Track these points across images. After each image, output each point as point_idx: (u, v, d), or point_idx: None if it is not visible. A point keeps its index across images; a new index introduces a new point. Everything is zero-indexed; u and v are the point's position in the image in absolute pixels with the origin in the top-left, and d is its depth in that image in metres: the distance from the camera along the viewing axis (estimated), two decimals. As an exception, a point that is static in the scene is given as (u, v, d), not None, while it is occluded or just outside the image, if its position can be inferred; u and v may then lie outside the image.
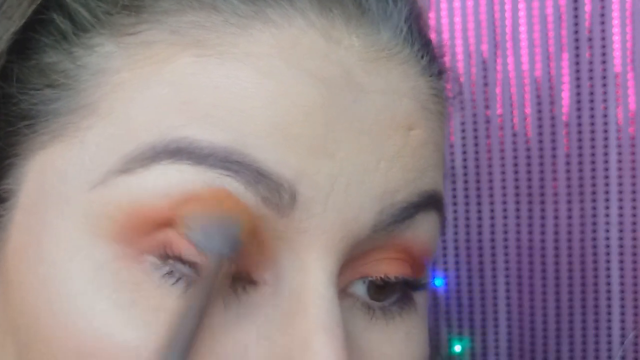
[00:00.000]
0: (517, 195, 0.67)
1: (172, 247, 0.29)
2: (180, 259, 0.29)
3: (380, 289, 0.32)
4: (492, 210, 0.68)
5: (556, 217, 0.66)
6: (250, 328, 0.29)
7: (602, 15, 0.64)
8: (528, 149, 0.66)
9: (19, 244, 0.31)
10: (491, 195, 0.67)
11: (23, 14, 0.31)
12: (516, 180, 0.67)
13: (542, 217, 0.67)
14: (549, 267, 0.67)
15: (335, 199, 0.29)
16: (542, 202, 0.66)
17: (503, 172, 0.67)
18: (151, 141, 0.29)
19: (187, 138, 0.28)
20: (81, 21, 0.31)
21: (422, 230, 0.32)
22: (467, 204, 0.68)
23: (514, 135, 0.66)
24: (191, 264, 0.29)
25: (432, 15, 0.67)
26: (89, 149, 0.29)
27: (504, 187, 0.67)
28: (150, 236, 0.29)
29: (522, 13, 0.65)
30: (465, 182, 0.68)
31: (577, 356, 0.67)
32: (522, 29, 0.65)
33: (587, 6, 0.64)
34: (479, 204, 0.68)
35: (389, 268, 0.32)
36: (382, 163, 0.30)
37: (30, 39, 0.31)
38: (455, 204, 0.68)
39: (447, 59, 0.38)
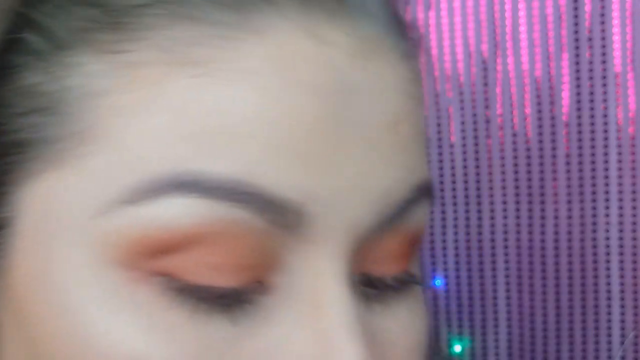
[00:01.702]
0: (517, 195, 0.67)
1: (178, 272, 0.29)
2: (188, 283, 0.29)
3: (374, 283, 0.33)
4: (492, 210, 0.68)
5: (556, 217, 0.66)
6: (269, 332, 0.30)
7: (602, 15, 0.64)
8: (528, 149, 0.66)
9: (26, 272, 0.31)
10: (491, 195, 0.67)
11: None
12: (516, 180, 0.67)
13: (542, 217, 0.67)
14: (549, 267, 0.67)
15: (340, 209, 0.30)
16: (542, 202, 0.66)
17: (503, 172, 0.67)
18: (157, 174, 0.28)
19: (195, 171, 0.28)
20: (56, 38, 0.30)
21: (415, 220, 0.32)
22: (467, 204, 0.68)
23: (514, 135, 0.66)
24: (200, 288, 0.29)
25: (432, 15, 0.67)
26: (89, 177, 0.29)
27: (504, 187, 0.67)
28: (157, 261, 0.29)
29: (522, 13, 0.65)
30: (465, 182, 0.68)
31: (577, 356, 0.67)
32: (522, 29, 0.65)
33: (587, 6, 0.64)
34: (479, 204, 0.68)
35: (386, 267, 0.32)
36: (377, 167, 0.30)
37: (8, 60, 0.31)
38: (455, 204, 0.68)
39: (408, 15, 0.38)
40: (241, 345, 0.29)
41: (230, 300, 0.29)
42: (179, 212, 0.28)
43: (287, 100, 0.29)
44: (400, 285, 0.33)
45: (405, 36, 0.34)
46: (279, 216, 0.29)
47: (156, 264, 0.29)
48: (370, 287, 0.32)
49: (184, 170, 0.28)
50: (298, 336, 0.29)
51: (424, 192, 0.33)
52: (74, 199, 0.29)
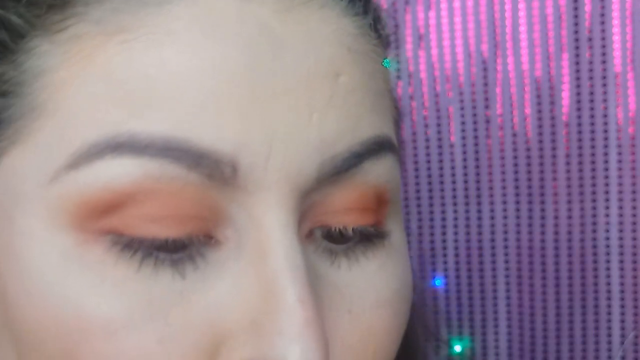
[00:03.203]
0: (517, 195, 0.67)
1: (122, 229, 0.30)
2: (132, 238, 0.31)
3: (340, 238, 0.33)
4: (492, 210, 0.68)
5: (556, 217, 0.66)
6: (220, 284, 0.31)
7: (602, 15, 0.64)
8: (528, 149, 0.66)
9: None
10: (491, 195, 0.67)
11: None
12: (516, 180, 0.67)
13: (542, 217, 0.67)
14: (549, 267, 0.67)
15: (275, 159, 0.30)
16: (542, 202, 0.66)
17: (503, 172, 0.67)
18: (94, 138, 0.30)
19: (127, 132, 0.30)
20: (15, 28, 0.32)
21: (374, 176, 0.33)
22: (467, 204, 0.68)
23: (514, 135, 0.66)
24: (145, 240, 0.30)
25: (432, 15, 0.67)
26: (42, 149, 0.31)
27: (504, 187, 0.67)
28: (102, 220, 0.30)
29: (522, 13, 0.65)
30: (465, 182, 0.68)
31: (577, 356, 0.67)
32: (522, 29, 0.65)
33: (587, 6, 0.64)
34: (479, 204, 0.68)
35: (347, 218, 0.33)
36: (314, 115, 0.31)
37: None
38: (455, 204, 0.68)
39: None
40: (190, 298, 0.30)
41: (180, 254, 0.31)
42: (116, 172, 0.30)
43: (213, 57, 0.30)
44: (369, 240, 0.34)
45: None
46: (214, 169, 0.30)
47: (102, 223, 0.30)
48: (335, 242, 0.33)
49: (118, 133, 0.30)
50: (244, 285, 0.30)
51: (379, 147, 0.33)
52: (29, 171, 0.31)
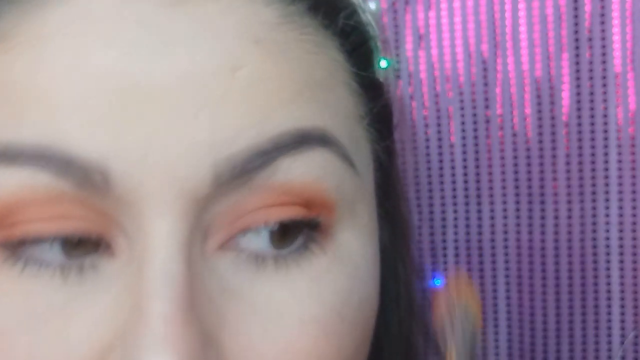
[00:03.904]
0: (517, 195, 0.67)
1: (8, 238, 0.29)
2: (18, 244, 0.29)
3: (280, 238, 0.31)
4: (492, 210, 0.68)
5: (556, 217, 0.66)
6: (106, 297, 0.29)
7: (602, 15, 0.64)
8: (528, 149, 0.66)
9: None
10: (491, 195, 0.67)
11: None
12: (516, 180, 0.67)
13: (542, 217, 0.67)
14: (549, 267, 0.67)
15: (153, 162, 0.28)
16: (542, 202, 0.66)
17: (503, 172, 0.67)
18: None
19: (2, 141, 0.29)
20: None
21: (297, 174, 0.30)
22: (467, 204, 0.68)
23: (514, 135, 0.66)
24: (28, 241, 0.29)
25: (432, 15, 0.67)
26: None
27: (504, 187, 0.67)
28: None
29: (522, 13, 0.65)
30: (465, 182, 0.68)
31: (577, 356, 0.67)
32: (522, 29, 0.65)
33: (587, 6, 0.64)
34: (479, 204, 0.68)
35: (268, 214, 0.30)
36: (201, 114, 0.29)
37: None
38: (455, 204, 0.68)
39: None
40: (72, 310, 0.29)
41: (69, 261, 0.29)
42: None
43: (80, 56, 0.29)
44: (305, 247, 0.31)
45: None
46: (83, 177, 0.28)
47: None
48: (276, 245, 0.30)
49: None
50: (125, 298, 0.29)
51: (302, 140, 0.30)
52: None
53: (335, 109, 0.32)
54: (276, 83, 0.30)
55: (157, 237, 0.28)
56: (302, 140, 0.30)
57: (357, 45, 0.35)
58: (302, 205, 0.31)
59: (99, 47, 0.29)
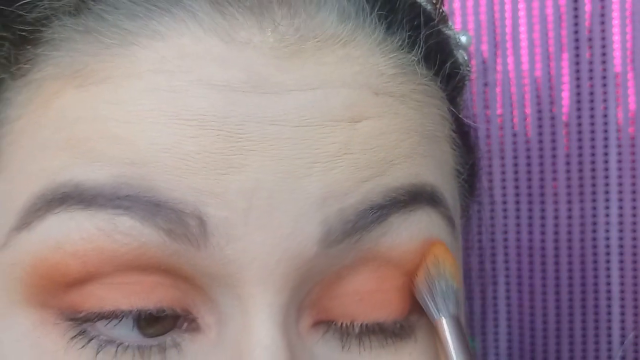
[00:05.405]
0: (517, 195, 0.67)
1: (81, 303, 0.26)
2: (92, 317, 0.26)
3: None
4: (492, 210, 0.67)
5: (556, 217, 0.66)
6: None
7: (602, 15, 0.64)
8: (528, 149, 0.66)
9: None
10: (491, 195, 0.67)
11: None
12: (516, 180, 0.67)
13: (542, 217, 0.67)
14: (549, 267, 0.67)
15: (258, 216, 0.25)
16: (542, 202, 0.66)
17: (503, 172, 0.67)
18: (40, 189, 0.26)
19: (72, 180, 0.26)
20: None
21: (406, 235, 0.28)
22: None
23: (514, 135, 0.66)
24: (102, 315, 0.26)
25: (432, 15, 0.67)
26: None
27: (504, 187, 0.67)
28: (63, 295, 0.26)
29: (522, 13, 0.65)
30: (465, 182, 0.68)
31: (577, 356, 0.67)
32: (522, 29, 0.65)
33: (587, 6, 0.64)
34: (479, 203, 0.68)
35: (357, 309, 0.28)
36: (316, 166, 0.26)
37: None
38: (455, 204, 0.68)
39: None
40: None
41: (149, 340, 0.26)
42: (66, 227, 0.25)
43: (175, 98, 0.26)
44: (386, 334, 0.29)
45: (394, 18, 0.29)
46: (174, 223, 0.25)
47: (62, 301, 0.26)
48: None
49: (63, 181, 0.26)
50: None
51: (415, 196, 0.28)
52: None
53: (441, 163, 0.31)
54: (394, 137, 0.28)
55: (257, 317, 0.25)
56: (415, 197, 0.28)
57: (457, 92, 0.33)
58: (397, 289, 0.28)
59: (194, 89, 0.26)
